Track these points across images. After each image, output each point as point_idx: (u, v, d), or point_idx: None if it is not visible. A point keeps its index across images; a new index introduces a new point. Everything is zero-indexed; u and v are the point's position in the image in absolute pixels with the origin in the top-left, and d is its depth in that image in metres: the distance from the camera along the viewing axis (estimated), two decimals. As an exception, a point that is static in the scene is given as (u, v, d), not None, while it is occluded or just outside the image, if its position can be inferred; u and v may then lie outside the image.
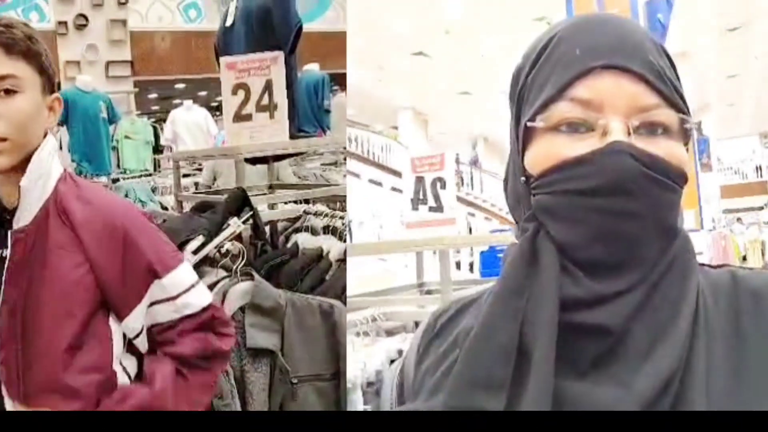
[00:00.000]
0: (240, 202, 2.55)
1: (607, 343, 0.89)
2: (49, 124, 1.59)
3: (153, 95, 17.78)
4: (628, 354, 0.88)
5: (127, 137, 9.52)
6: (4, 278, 1.52)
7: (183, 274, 1.63)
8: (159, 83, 15.58)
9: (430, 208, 8.02)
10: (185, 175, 6.36)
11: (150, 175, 8.09)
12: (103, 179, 7.37)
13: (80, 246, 1.53)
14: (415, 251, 4.49)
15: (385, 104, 18.20)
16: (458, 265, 11.50)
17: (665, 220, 0.92)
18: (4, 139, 1.48)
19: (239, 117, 3.45)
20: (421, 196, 8.13)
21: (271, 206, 3.22)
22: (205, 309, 1.64)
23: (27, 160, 1.54)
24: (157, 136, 9.99)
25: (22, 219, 1.54)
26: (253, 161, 4.10)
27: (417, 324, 3.48)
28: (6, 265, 1.53)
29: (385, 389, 1.08)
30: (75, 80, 8.70)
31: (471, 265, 11.42)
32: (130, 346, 1.64)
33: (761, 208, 20.21)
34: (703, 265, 0.99)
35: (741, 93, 17.08)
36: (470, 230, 15.79)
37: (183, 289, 1.61)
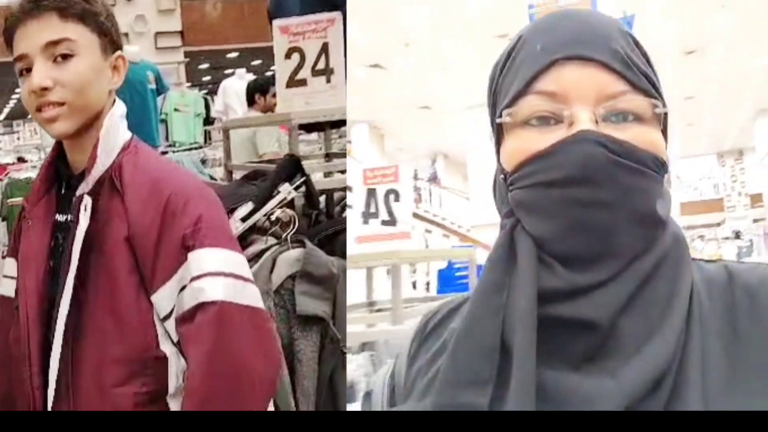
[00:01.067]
0: (292, 169, 2.61)
1: (596, 337, 0.93)
2: (113, 85, 1.68)
3: (204, 66, 18.01)
4: (621, 350, 0.92)
5: (176, 110, 9.68)
6: (74, 244, 1.60)
7: (213, 257, 1.59)
8: (210, 53, 15.78)
9: (383, 222, 7.90)
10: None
11: (200, 147, 8.22)
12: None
13: (125, 213, 1.59)
14: (365, 266, 4.34)
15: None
16: (414, 285, 11.52)
17: (641, 206, 0.95)
18: (61, 104, 1.58)
19: (293, 83, 3.53)
20: (372, 210, 8.02)
21: (327, 175, 3.30)
22: (215, 303, 1.56)
23: (91, 123, 1.63)
24: (208, 108, 10.14)
25: (88, 186, 1.63)
26: (309, 129, 4.18)
27: (364, 345, 3.39)
28: (71, 231, 1.62)
29: (376, 392, 1.15)
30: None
31: (428, 285, 11.36)
32: None
33: (719, 225, 21.33)
34: (697, 260, 1.04)
35: (699, 114, 17.46)
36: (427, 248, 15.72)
37: (203, 272, 1.57)
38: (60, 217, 1.69)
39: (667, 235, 0.99)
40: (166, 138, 9.20)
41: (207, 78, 19.02)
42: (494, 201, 1.11)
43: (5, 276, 1.82)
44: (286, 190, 2.49)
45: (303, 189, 2.63)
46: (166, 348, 1.61)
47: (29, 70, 1.58)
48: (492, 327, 0.97)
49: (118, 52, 1.69)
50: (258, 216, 2.44)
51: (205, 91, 12.24)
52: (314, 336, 2.25)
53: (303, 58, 3.47)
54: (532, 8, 5.95)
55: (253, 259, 2.34)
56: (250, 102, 6.88)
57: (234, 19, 14.58)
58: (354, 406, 2.37)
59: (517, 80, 1.01)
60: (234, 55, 16.47)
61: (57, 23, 1.58)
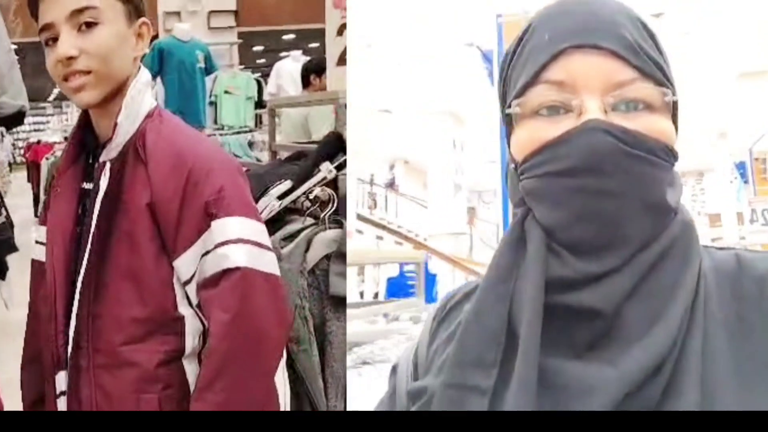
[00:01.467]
0: (335, 147, 2.65)
1: (600, 325, 0.97)
2: (138, 52, 1.75)
3: (259, 47, 18.18)
4: (624, 337, 0.96)
5: (226, 92, 9.69)
6: (95, 209, 1.71)
7: (236, 225, 1.69)
8: (265, 34, 15.89)
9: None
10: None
11: (250, 131, 8.31)
12: (199, 133, 7.68)
13: (148, 181, 1.68)
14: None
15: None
16: (362, 295, 11.44)
17: (649, 195, 0.98)
18: (88, 72, 1.65)
19: (344, 61, 3.58)
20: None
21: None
22: (238, 269, 1.66)
23: (117, 91, 1.71)
24: (260, 91, 10.19)
25: (110, 153, 1.72)
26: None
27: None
28: (92, 197, 1.72)
29: (401, 368, 1.25)
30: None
31: (376, 294, 11.30)
32: None
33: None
34: (708, 247, 1.07)
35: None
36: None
37: (227, 239, 1.66)
38: (87, 185, 1.78)
39: (677, 222, 1.02)
40: (215, 121, 9.28)
41: (262, 60, 19.19)
42: (507, 189, 1.14)
43: (37, 242, 1.92)
44: (326, 169, 2.53)
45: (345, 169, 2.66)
46: (184, 310, 1.71)
47: (55, 39, 1.65)
48: (498, 313, 1.02)
49: (142, 19, 1.75)
50: (296, 194, 2.48)
51: (258, 74, 12.29)
52: (347, 318, 2.29)
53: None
54: (500, 17, 6.04)
55: (288, 238, 2.39)
56: (305, 83, 6.95)
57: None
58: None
59: (525, 70, 1.04)
60: (290, 36, 16.59)
61: None
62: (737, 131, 14.83)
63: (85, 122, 1.80)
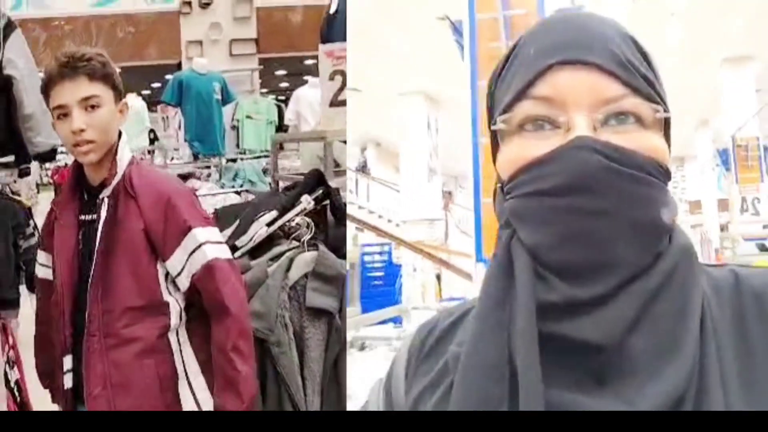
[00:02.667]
0: (315, 182, 3.13)
1: (604, 358, 0.92)
2: (120, 123, 2.43)
3: (281, 72, 18.62)
4: (635, 372, 0.91)
5: (248, 117, 10.03)
6: (98, 233, 2.36)
7: (207, 232, 2.43)
8: (286, 60, 16.33)
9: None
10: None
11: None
12: (215, 160, 8.15)
13: (139, 210, 2.34)
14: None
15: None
16: None
17: (642, 215, 0.94)
18: (93, 141, 2.32)
19: (335, 102, 4.07)
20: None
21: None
22: (218, 259, 2.40)
23: (108, 151, 2.37)
24: (281, 116, 10.53)
25: (107, 192, 2.37)
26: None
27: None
28: (95, 226, 2.38)
29: (370, 407, 1.22)
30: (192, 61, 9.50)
31: None
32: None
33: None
34: (703, 264, 1.03)
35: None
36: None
37: (203, 241, 2.39)
38: (84, 217, 2.45)
39: (675, 246, 0.97)
40: (237, 145, 9.69)
41: (284, 84, 19.60)
42: (494, 211, 1.10)
43: (40, 264, 2.65)
44: (306, 201, 3.01)
45: (327, 201, 3.12)
46: (168, 298, 2.39)
47: (65, 115, 2.30)
48: (497, 343, 0.97)
49: (123, 100, 2.42)
50: (279, 223, 2.96)
51: (282, 98, 12.65)
52: (322, 326, 2.75)
53: (345, 80, 4.01)
54: (473, -15, 5.90)
55: (275, 258, 2.86)
56: (326, 113, 7.32)
57: (311, 25, 15.07)
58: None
59: (512, 87, 1.01)
60: (311, 62, 17.01)
61: (87, 83, 2.30)
62: (720, 117, 14.68)
63: (77, 171, 2.46)
